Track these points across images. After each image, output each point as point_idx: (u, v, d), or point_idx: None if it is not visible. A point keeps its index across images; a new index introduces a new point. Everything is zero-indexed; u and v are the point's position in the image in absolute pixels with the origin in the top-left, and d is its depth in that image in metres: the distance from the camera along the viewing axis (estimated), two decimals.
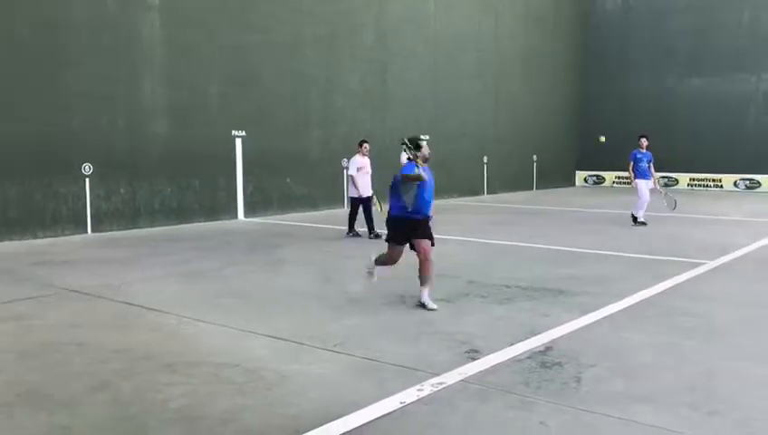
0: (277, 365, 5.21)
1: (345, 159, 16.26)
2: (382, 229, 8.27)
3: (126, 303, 7.39)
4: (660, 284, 8.29)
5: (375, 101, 19.87)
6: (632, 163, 14.72)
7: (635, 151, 14.78)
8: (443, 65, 22.14)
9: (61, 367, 5.24)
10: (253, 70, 16.38)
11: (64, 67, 13.05)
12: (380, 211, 10.93)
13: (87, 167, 13.38)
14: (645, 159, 14.67)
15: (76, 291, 8.01)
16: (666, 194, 15.47)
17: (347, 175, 14.00)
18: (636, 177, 14.63)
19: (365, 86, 19.47)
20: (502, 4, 24.84)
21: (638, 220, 14.49)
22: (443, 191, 22.65)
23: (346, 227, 12.87)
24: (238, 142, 16.13)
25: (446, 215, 17.69)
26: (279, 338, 5.96)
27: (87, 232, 13.41)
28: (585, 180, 30.12)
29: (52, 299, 7.65)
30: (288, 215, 17.01)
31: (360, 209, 12.60)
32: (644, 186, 14.52)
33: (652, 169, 14.74)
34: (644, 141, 14.81)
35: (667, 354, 5.48)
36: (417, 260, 7.08)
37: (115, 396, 4.61)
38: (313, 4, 17.72)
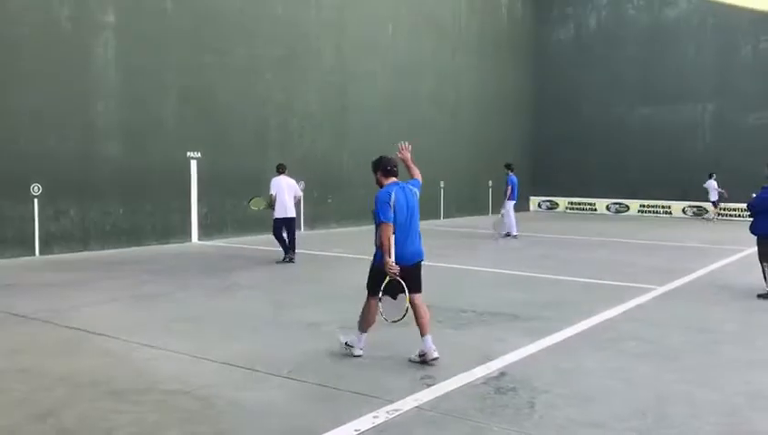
0: (229, 392, 5.10)
1: None
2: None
3: (73, 328, 7.18)
4: (612, 309, 8.41)
5: (333, 123, 19.87)
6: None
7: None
8: (401, 90, 22.28)
9: (1, 395, 5.04)
10: (209, 91, 16.25)
11: (10, 85, 12.73)
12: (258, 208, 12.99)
13: (36, 187, 13.04)
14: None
15: (21, 315, 7.75)
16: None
17: None
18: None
19: (323, 109, 19.47)
20: (457, 32, 25.22)
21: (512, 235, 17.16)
22: None
23: (300, 251, 12.77)
24: (193, 164, 15.93)
25: None
26: (231, 364, 5.84)
27: (35, 254, 13.03)
28: (539, 205, 30.55)
29: None
30: (243, 238, 16.81)
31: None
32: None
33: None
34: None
35: (619, 379, 5.54)
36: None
37: (59, 425, 4.45)
38: (271, 27, 17.71)
